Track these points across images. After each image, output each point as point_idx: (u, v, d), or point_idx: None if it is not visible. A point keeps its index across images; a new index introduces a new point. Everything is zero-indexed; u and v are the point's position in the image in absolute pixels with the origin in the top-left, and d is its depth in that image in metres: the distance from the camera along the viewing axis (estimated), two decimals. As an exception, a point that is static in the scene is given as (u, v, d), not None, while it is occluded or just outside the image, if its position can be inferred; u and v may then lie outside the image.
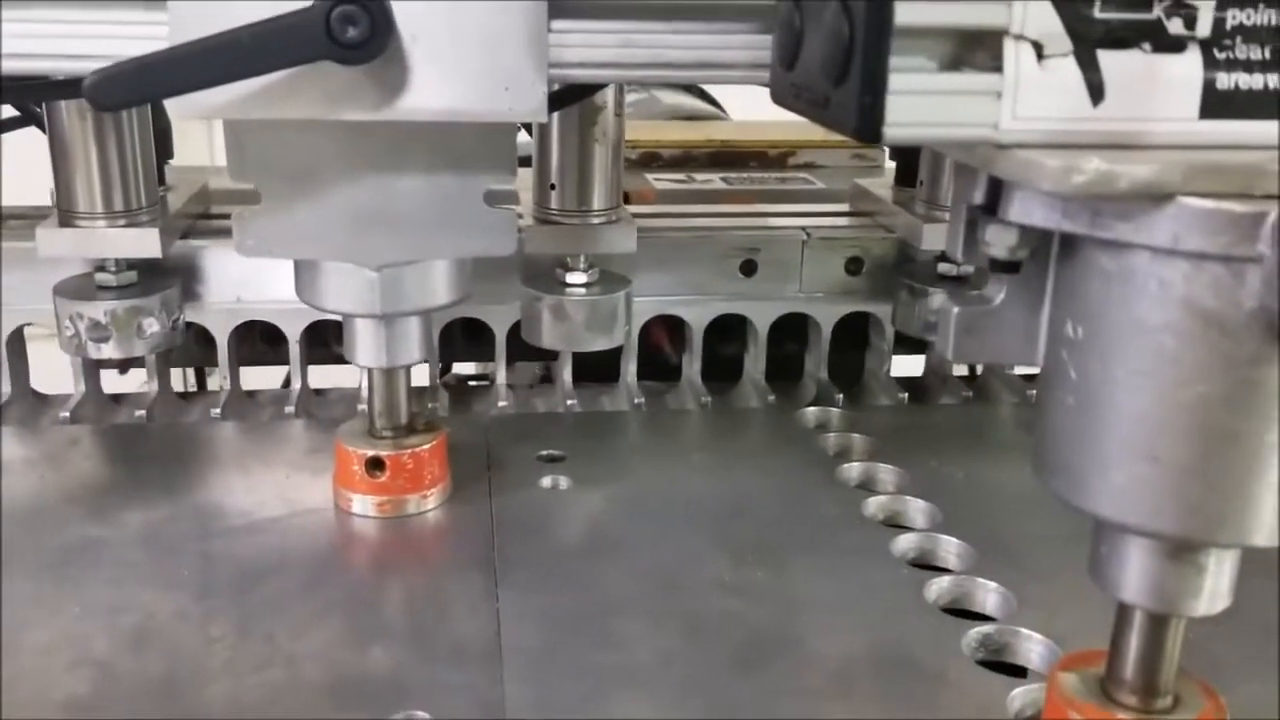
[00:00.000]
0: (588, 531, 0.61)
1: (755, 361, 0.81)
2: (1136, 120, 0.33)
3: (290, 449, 0.72)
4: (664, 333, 0.83)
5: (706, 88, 1.43)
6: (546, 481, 0.65)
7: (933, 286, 0.76)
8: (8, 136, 0.82)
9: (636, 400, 0.78)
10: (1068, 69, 0.33)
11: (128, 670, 0.48)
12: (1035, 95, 0.33)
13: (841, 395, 0.79)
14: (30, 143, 0.85)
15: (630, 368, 0.80)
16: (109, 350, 0.70)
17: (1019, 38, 0.33)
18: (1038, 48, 0.33)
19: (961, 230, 0.38)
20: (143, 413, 0.74)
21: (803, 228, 0.80)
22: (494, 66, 0.47)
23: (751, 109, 1.27)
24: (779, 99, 0.41)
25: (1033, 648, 0.51)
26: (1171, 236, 0.32)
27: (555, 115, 0.69)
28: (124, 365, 0.81)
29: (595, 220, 0.72)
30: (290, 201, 0.54)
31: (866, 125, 0.33)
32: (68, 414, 0.74)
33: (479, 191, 0.55)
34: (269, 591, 0.54)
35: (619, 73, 0.49)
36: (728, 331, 0.81)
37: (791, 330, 0.81)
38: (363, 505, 0.61)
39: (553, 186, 0.72)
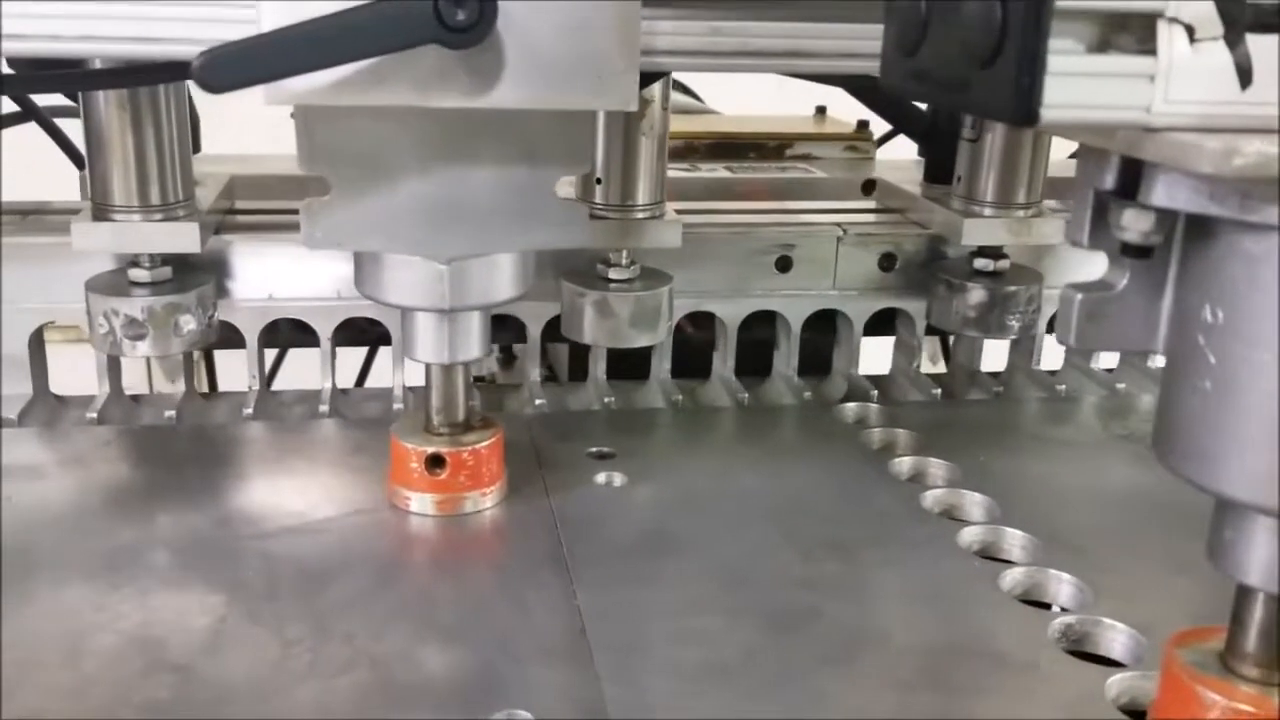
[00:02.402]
0: (652, 528, 0.60)
1: (788, 358, 0.80)
2: (1282, 104, 0.33)
3: (329, 448, 0.70)
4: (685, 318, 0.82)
5: (690, 85, 1.43)
6: (601, 478, 0.64)
7: (970, 282, 0.76)
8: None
9: (675, 397, 0.77)
10: (1218, 52, 0.33)
11: (208, 675, 0.46)
12: (1187, 78, 0.33)
13: (875, 391, 0.79)
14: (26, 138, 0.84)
15: (664, 364, 0.79)
16: (144, 348, 0.68)
17: (1173, 20, 0.33)
18: (1190, 31, 0.33)
19: (1088, 215, 0.38)
20: (172, 413, 0.72)
21: (838, 224, 0.80)
22: (586, 55, 0.46)
23: (742, 105, 1.29)
24: (892, 85, 0.41)
25: (1116, 637, 0.51)
26: (1325, 219, 0.32)
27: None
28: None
29: (640, 215, 0.71)
30: (360, 192, 0.53)
31: (1022, 107, 0.33)
32: (94, 415, 0.72)
33: (551, 183, 0.54)
34: (340, 592, 0.53)
35: (708, 61, 0.49)
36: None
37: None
38: (421, 503, 0.60)
39: (598, 181, 0.71)
